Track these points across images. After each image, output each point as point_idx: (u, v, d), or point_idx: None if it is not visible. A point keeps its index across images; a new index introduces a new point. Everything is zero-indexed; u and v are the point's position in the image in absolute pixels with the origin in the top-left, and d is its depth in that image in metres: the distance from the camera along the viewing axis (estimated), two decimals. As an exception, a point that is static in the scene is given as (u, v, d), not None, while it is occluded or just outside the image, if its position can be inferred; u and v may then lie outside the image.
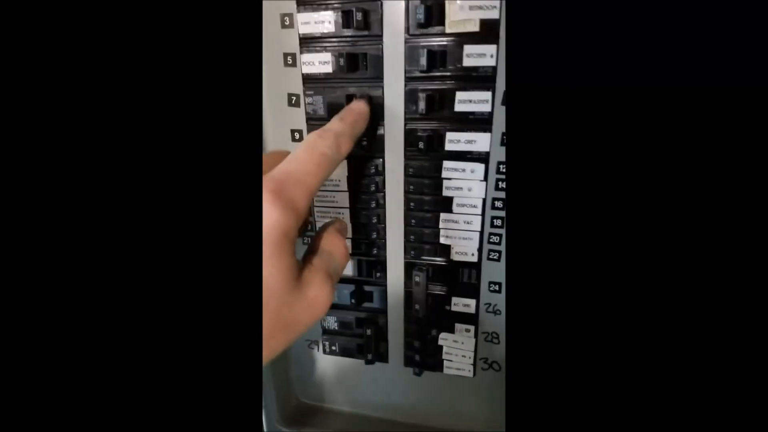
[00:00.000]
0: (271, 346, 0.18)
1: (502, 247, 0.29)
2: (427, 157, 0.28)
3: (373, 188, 0.30)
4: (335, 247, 0.22)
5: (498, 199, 0.28)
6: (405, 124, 0.28)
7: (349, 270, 0.33)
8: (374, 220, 0.31)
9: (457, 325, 0.32)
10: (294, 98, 0.29)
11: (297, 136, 0.30)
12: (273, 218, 0.17)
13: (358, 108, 0.25)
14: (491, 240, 0.29)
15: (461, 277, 0.31)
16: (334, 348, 0.35)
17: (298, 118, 0.30)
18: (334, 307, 0.34)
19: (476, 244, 0.29)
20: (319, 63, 0.27)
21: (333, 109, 0.28)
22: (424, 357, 0.33)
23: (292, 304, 0.18)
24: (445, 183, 0.28)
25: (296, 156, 0.20)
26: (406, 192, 0.30)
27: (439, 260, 0.31)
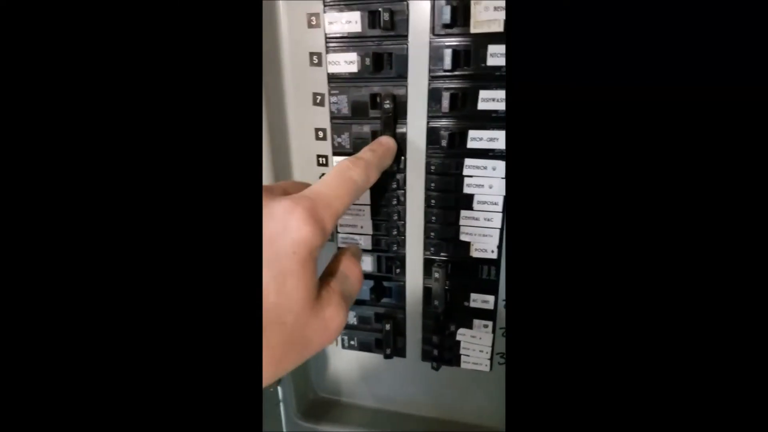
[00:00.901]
0: (283, 364, 0.18)
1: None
2: (448, 155, 0.29)
3: (393, 185, 0.31)
4: (351, 271, 0.23)
5: (518, 197, 0.29)
6: (427, 122, 0.28)
7: (368, 266, 0.33)
8: (395, 217, 0.31)
9: (476, 321, 0.33)
10: (319, 97, 0.30)
11: (321, 134, 0.31)
12: (304, 235, 0.18)
13: (387, 143, 0.27)
14: (511, 237, 0.30)
15: (480, 274, 0.31)
16: (352, 342, 0.36)
17: (322, 116, 0.30)
18: (354, 302, 0.35)
19: (496, 241, 0.30)
20: (345, 62, 0.28)
21: (357, 108, 0.29)
22: (442, 352, 0.34)
23: (309, 322, 0.19)
24: (466, 180, 0.29)
25: (328, 180, 0.21)
26: (427, 189, 0.30)
27: (458, 257, 0.31)
